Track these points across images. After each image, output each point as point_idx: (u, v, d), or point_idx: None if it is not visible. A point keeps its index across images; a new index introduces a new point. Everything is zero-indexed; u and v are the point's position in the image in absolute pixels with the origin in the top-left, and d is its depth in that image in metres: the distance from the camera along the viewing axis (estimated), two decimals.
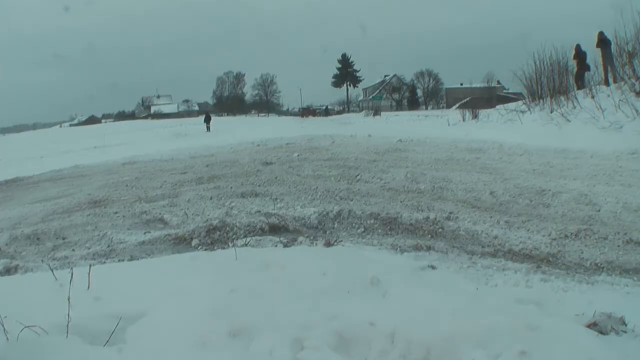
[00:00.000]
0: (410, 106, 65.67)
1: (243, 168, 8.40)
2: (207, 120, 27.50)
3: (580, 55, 14.00)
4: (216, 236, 4.81)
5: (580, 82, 13.98)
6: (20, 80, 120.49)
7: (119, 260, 4.29)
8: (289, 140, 12.23)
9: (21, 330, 2.19)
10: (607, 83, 12.71)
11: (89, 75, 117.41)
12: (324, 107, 63.80)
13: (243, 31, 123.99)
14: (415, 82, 74.13)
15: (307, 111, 58.49)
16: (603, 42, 12.52)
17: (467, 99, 35.70)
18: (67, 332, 2.25)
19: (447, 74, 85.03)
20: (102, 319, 2.42)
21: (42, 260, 4.38)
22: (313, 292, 2.72)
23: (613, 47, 12.41)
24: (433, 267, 3.49)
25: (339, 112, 63.08)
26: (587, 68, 13.88)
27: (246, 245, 4.33)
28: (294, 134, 13.77)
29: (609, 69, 12.72)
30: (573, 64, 14.38)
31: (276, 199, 6.06)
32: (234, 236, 4.77)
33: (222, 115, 58.66)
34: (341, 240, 4.40)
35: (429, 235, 4.62)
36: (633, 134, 8.88)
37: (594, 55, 13.48)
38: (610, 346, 2.27)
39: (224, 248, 4.34)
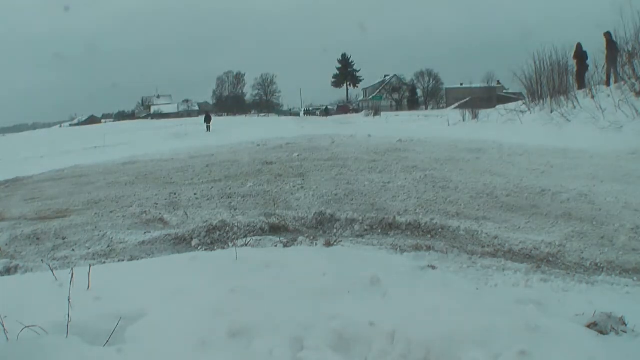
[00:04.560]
0: (410, 106, 65.63)
1: (243, 168, 8.41)
2: (208, 120, 27.48)
3: (580, 54, 14.00)
4: (216, 236, 4.82)
5: (581, 82, 13.99)
6: (20, 80, 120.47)
7: (119, 260, 4.30)
8: (289, 140, 12.23)
9: (21, 330, 2.20)
10: (608, 84, 12.71)
11: (89, 76, 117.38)
12: (323, 107, 63.76)
13: (243, 31, 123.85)
14: (415, 82, 74.17)
15: (344, 108, 56.73)
16: (610, 43, 12.52)
17: (467, 98, 35.66)
18: (67, 332, 2.25)
19: (447, 74, 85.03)
20: (102, 319, 2.42)
21: (42, 260, 4.38)
22: (313, 292, 2.72)
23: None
24: (433, 267, 3.49)
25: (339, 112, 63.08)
26: (587, 68, 13.89)
27: (246, 245, 4.33)
28: (294, 134, 13.78)
29: (612, 70, 12.72)
30: (573, 63, 14.39)
31: (276, 198, 6.07)
32: (234, 236, 4.77)
33: (222, 115, 58.62)
34: (341, 240, 4.40)
35: (429, 235, 4.62)
36: (633, 134, 8.90)
37: (594, 56, 13.50)
38: (610, 346, 2.28)
39: (224, 248, 4.34)
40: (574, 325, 2.44)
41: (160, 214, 5.65)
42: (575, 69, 14.31)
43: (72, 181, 8.80)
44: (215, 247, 4.49)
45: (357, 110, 51.23)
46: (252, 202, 6.04)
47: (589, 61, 13.78)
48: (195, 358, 2.19)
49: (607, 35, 12.52)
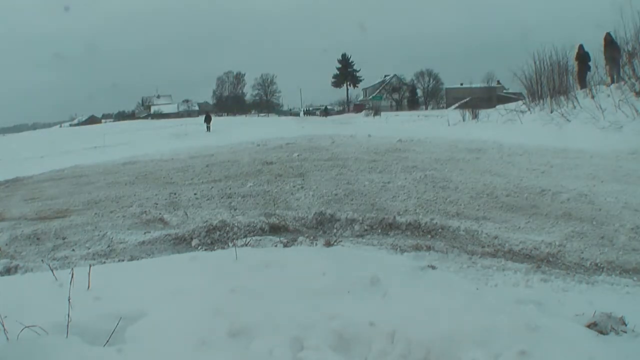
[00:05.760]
0: (410, 106, 65.56)
1: (243, 168, 8.41)
2: (208, 120, 27.45)
3: (582, 56, 13.99)
4: (216, 236, 4.82)
5: (582, 83, 13.98)
6: (20, 80, 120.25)
7: (119, 260, 4.30)
8: (289, 140, 12.22)
9: (21, 330, 2.19)
10: (611, 84, 12.71)
11: (89, 76, 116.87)
12: (323, 107, 63.70)
13: (243, 31, 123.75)
14: (415, 82, 74.07)
15: (359, 107, 56.85)
16: (611, 44, 12.51)
17: (467, 99, 35.68)
18: (67, 332, 2.25)
19: (447, 74, 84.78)
20: (102, 319, 2.42)
21: (42, 260, 4.38)
22: (313, 292, 2.72)
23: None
24: (433, 267, 3.49)
25: (339, 112, 63.04)
26: (588, 68, 13.89)
27: (246, 245, 4.33)
28: (294, 134, 13.77)
29: (614, 71, 12.72)
30: (574, 63, 14.36)
31: (276, 198, 6.07)
32: (234, 236, 4.78)
33: (222, 115, 58.55)
34: (341, 241, 4.41)
35: (429, 235, 4.63)
36: (633, 134, 8.90)
37: (595, 56, 13.49)
38: (610, 346, 2.28)
39: (224, 248, 4.35)
40: (574, 325, 2.45)
41: (160, 214, 5.65)
42: (576, 70, 14.30)
43: (72, 181, 8.80)
44: (215, 247, 4.49)
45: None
46: (252, 202, 6.05)
47: (590, 62, 13.77)
48: (195, 358, 2.19)
49: (607, 36, 12.51)
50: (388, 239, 4.56)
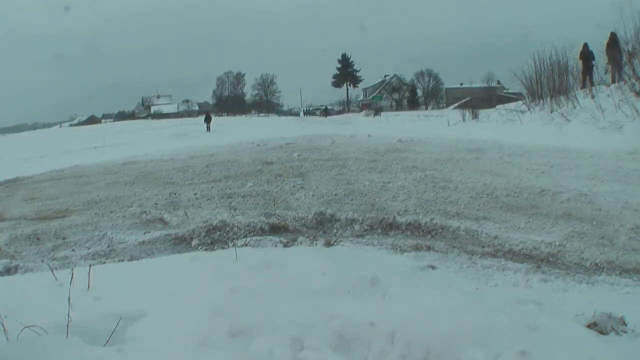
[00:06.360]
0: (410, 106, 65.55)
1: (243, 168, 8.41)
2: (208, 120, 27.44)
3: (586, 54, 13.98)
4: (216, 236, 4.82)
5: (585, 81, 13.97)
6: (20, 80, 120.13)
7: (119, 260, 4.30)
8: (289, 140, 12.22)
9: (21, 330, 2.20)
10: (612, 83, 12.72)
11: (89, 76, 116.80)
12: (323, 107, 63.65)
13: (243, 31, 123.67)
14: (415, 82, 74.05)
15: (365, 106, 57.23)
16: (613, 43, 12.51)
17: (467, 98, 35.69)
18: (67, 332, 2.25)
19: (447, 74, 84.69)
20: (102, 319, 2.42)
21: (42, 260, 4.38)
22: (313, 292, 2.72)
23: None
24: (433, 267, 3.50)
25: (339, 112, 63.01)
26: (592, 67, 13.89)
27: (246, 245, 4.33)
28: (294, 134, 13.76)
29: (615, 70, 12.72)
30: (578, 62, 14.35)
31: (276, 198, 6.07)
32: (234, 236, 4.78)
33: (222, 116, 58.51)
34: (341, 240, 4.41)
35: (429, 235, 4.63)
36: (633, 134, 8.91)
37: (597, 56, 13.50)
38: (610, 346, 2.28)
39: (224, 248, 4.35)
40: (574, 325, 2.45)
41: (160, 214, 5.65)
42: (580, 68, 14.29)
43: (72, 181, 8.80)
44: (215, 247, 4.49)
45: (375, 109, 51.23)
46: (252, 202, 6.05)
47: (594, 61, 13.76)
48: (195, 358, 2.19)
49: (612, 35, 12.52)
50: (388, 239, 4.55)
